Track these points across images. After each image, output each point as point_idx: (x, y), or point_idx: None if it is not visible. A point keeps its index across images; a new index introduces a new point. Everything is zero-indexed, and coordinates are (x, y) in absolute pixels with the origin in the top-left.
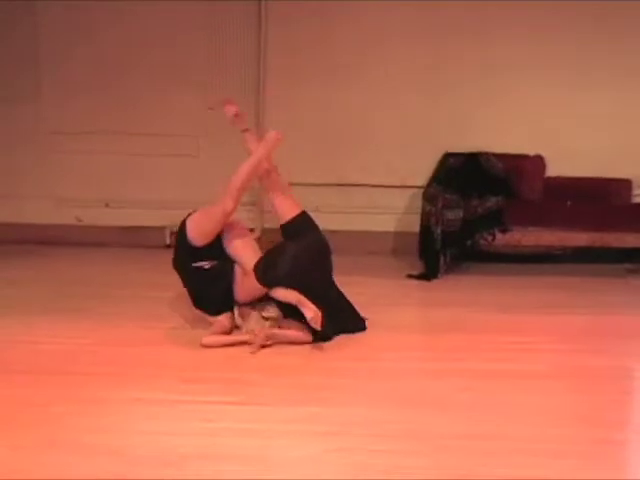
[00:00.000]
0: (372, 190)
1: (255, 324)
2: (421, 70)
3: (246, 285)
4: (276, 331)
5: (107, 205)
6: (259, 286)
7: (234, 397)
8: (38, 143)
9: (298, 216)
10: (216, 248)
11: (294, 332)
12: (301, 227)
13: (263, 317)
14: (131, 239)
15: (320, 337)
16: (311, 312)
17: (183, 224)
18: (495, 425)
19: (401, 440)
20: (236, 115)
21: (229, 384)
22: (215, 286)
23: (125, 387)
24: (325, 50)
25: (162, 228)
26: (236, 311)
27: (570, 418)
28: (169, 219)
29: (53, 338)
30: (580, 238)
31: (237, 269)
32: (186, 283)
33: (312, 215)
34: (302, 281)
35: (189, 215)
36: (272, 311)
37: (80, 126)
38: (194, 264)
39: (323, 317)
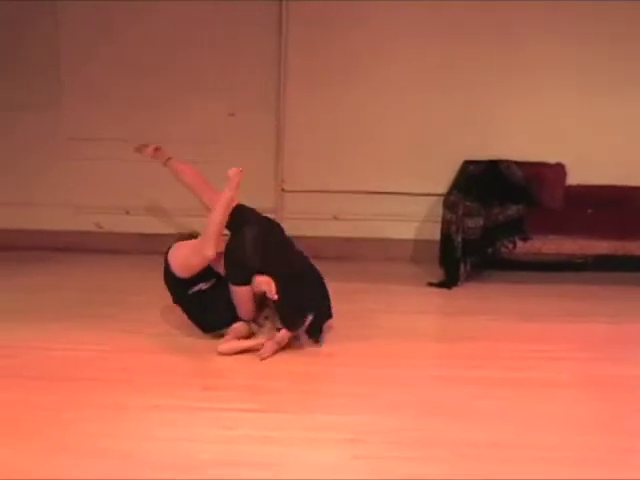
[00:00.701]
0: (392, 197)
1: (269, 332)
2: (442, 76)
3: None
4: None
5: (127, 212)
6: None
7: (253, 404)
8: (57, 150)
9: (236, 207)
10: (206, 268)
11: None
12: (244, 214)
13: (277, 328)
14: (150, 246)
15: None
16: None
17: (167, 261)
18: (515, 433)
19: (420, 448)
20: (155, 149)
21: (248, 391)
22: (218, 300)
23: (142, 394)
24: (347, 53)
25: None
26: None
27: (591, 426)
28: (189, 226)
29: (70, 344)
30: (601, 246)
31: None
32: (190, 314)
33: (330, 223)
34: (267, 259)
35: (169, 249)
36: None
37: (100, 132)
38: (191, 291)
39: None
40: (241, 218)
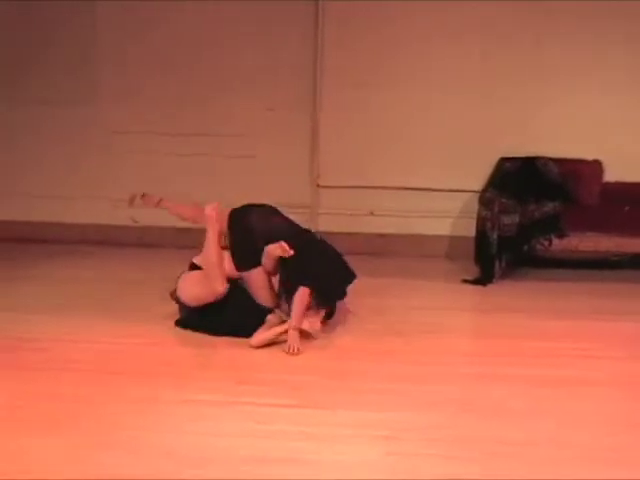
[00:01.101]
0: (427, 194)
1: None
2: (478, 73)
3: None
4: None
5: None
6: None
7: (288, 400)
8: (94, 144)
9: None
10: None
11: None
12: (239, 211)
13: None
14: (185, 240)
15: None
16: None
17: (177, 298)
18: (548, 432)
19: (454, 445)
20: (142, 196)
21: (284, 387)
22: (239, 302)
23: (180, 388)
24: (383, 51)
25: None
26: (277, 311)
27: (624, 426)
28: None
29: (110, 338)
30: (638, 244)
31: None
32: (215, 329)
33: (366, 219)
34: (272, 236)
35: (179, 280)
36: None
37: (138, 127)
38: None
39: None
40: (238, 213)
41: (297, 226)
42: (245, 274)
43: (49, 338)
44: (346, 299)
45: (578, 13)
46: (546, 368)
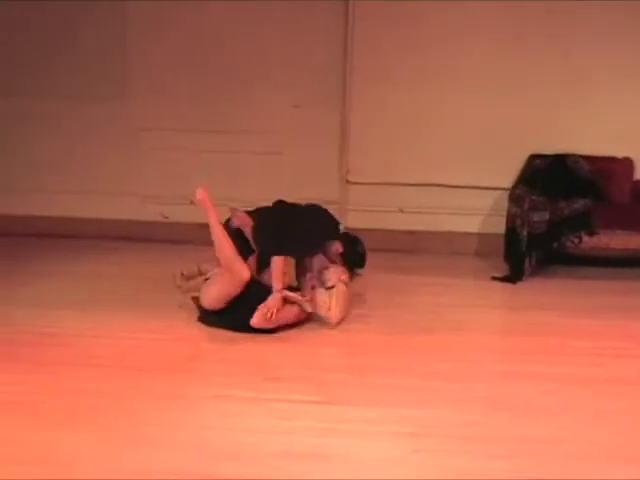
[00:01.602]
0: (456, 191)
1: (322, 297)
2: (507, 71)
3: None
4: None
5: (192, 202)
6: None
7: (315, 396)
8: (124, 140)
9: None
10: None
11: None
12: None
13: (327, 288)
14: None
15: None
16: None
17: (202, 307)
18: (577, 430)
19: (482, 443)
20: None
21: (311, 383)
22: (259, 297)
23: (206, 383)
24: (411, 50)
25: None
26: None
27: None
28: None
29: (134, 333)
30: None
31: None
32: (238, 326)
33: (395, 216)
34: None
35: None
36: (332, 277)
37: (166, 123)
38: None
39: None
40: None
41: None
42: (275, 258)
43: (72, 333)
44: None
45: (609, 10)
46: (576, 366)
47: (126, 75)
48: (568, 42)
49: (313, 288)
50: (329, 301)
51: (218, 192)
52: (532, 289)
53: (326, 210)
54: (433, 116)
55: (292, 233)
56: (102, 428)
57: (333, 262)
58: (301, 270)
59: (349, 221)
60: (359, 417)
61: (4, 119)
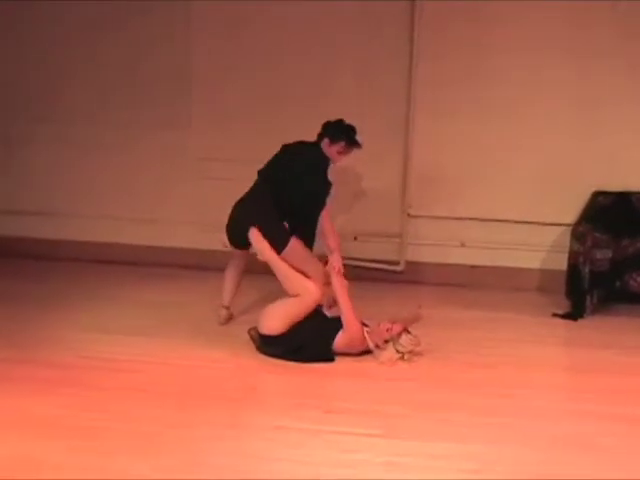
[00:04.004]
0: (518, 226)
1: (390, 354)
2: (571, 106)
3: None
4: None
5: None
6: None
7: (374, 429)
8: (186, 169)
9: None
10: None
11: None
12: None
13: (397, 350)
14: None
15: None
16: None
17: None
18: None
19: None
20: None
21: (369, 416)
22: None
23: (266, 414)
24: (475, 83)
25: None
26: (367, 335)
27: None
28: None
29: (198, 361)
30: None
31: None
32: (298, 356)
33: (456, 250)
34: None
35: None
36: (406, 344)
37: (227, 154)
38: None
39: None
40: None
41: None
42: (288, 248)
43: (135, 360)
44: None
45: None
46: (637, 406)
47: (190, 106)
48: (634, 75)
49: (386, 342)
50: (393, 361)
51: None
52: (593, 327)
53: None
54: (496, 151)
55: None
56: (163, 456)
57: (339, 155)
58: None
59: (410, 255)
60: (420, 451)
61: (72, 147)
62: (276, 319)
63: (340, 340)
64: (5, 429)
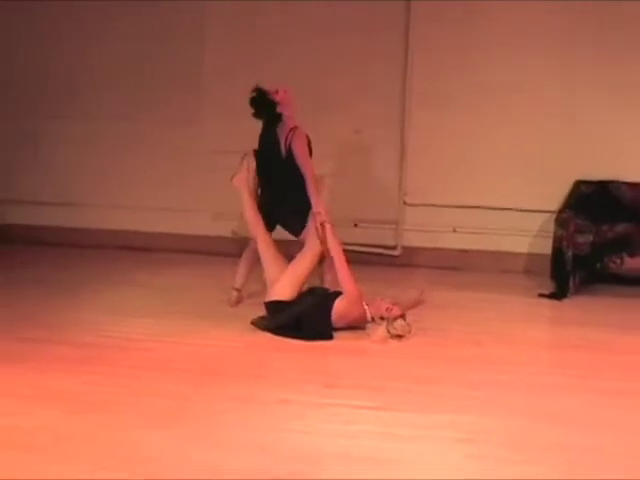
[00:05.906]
0: (506, 213)
1: (382, 333)
2: (555, 97)
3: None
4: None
5: None
6: None
7: (375, 402)
8: (199, 161)
9: None
10: None
11: None
12: None
13: (388, 331)
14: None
15: None
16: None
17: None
18: (633, 442)
19: (533, 451)
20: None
21: (368, 390)
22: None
23: (272, 388)
24: (467, 74)
25: None
26: (366, 307)
27: None
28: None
29: (210, 340)
30: None
31: None
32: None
33: (448, 236)
34: None
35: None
36: (398, 328)
37: (238, 146)
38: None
39: None
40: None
41: None
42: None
43: (152, 339)
44: None
45: None
46: (620, 381)
47: (202, 101)
48: (616, 67)
49: (382, 319)
50: (384, 339)
51: None
52: (576, 306)
53: None
54: (486, 142)
55: None
56: (179, 428)
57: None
58: None
59: (405, 240)
60: (415, 423)
61: (92, 142)
62: (286, 286)
63: (339, 305)
64: (32, 403)
